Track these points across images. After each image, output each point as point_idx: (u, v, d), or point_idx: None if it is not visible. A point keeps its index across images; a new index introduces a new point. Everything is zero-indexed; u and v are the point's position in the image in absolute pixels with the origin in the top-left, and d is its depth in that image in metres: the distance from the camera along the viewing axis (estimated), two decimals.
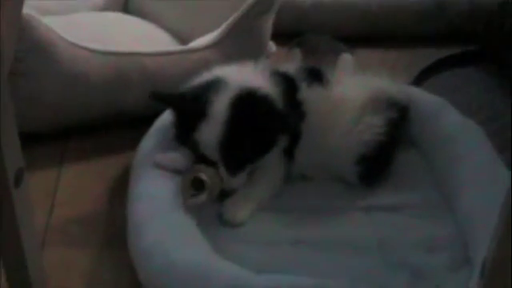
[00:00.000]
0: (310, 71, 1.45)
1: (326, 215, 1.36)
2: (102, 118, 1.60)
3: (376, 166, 1.44)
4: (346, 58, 1.75)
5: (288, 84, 1.40)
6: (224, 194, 1.34)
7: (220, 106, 1.30)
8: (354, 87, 1.48)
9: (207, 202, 1.30)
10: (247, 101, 1.31)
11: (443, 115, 1.52)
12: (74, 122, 1.59)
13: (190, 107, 1.32)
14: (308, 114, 1.40)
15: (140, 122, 1.48)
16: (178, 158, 1.35)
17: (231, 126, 1.29)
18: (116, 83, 1.55)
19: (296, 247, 1.27)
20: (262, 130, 1.31)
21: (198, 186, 1.29)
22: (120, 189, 1.42)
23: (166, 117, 1.44)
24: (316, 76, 1.44)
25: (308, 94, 1.41)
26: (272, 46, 1.82)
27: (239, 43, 1.65)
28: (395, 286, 1.19)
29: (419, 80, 1.81)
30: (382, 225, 1.34)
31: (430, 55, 1.93)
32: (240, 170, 1.33)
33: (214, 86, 1.33)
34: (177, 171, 1.33)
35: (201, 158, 1.33)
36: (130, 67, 1.56)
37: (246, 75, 1.37)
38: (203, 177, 1.28)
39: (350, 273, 1.20)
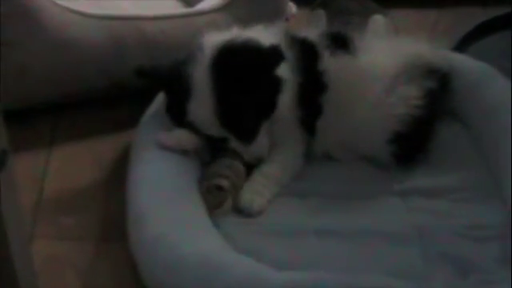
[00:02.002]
0: (334, 36, 1.43)
1: (355, 201, 1.35)
2: (96, 92, 1.59)
3: (412, 144, 1.41)
4: (378, 20, 1.74)
5: (307, 51, 1.38)
6: (252, 167, 1.34)
7: (201, 77, 1.29)
8: (387, 53, 1.45)
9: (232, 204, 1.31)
10: (226, 56, 1.29)
11: (490, 84, 1.50)
12: (65, 96, 1.58)
13: (174, 87, 1.33)
14: (331, 86, 1.38)
15: (140, 96, 1.46)
16: (184, 135, 1.33)
17: (220, 92, 1.28)
18: (111, 51, 1.55)
19: (322, 238, 1.26)
20: (254, 76, 1.29)
21: (217, 192, 1.28)
22: (118, 173, 1.42)
23: None
24: (341, 42, 1.42)
25: (331, 62, 1.39)
26: (292, 8, 1.81)
27: (253, 4, 1.64)
28: (437, 281, 1.17)
29: (462, 44, 1.79)
30: (420, 212, 1.33)
31: (474, 15, 1.91)
32: (254, 132, 1.32)
33: (191, 58, 1.32)
34: (184, 151, 1.33)
35: (207, 136, 1.33)
36: (127, 33, 1.56)
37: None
38: (220, 182, 1.28)
39: (385, 267, 1.19)
